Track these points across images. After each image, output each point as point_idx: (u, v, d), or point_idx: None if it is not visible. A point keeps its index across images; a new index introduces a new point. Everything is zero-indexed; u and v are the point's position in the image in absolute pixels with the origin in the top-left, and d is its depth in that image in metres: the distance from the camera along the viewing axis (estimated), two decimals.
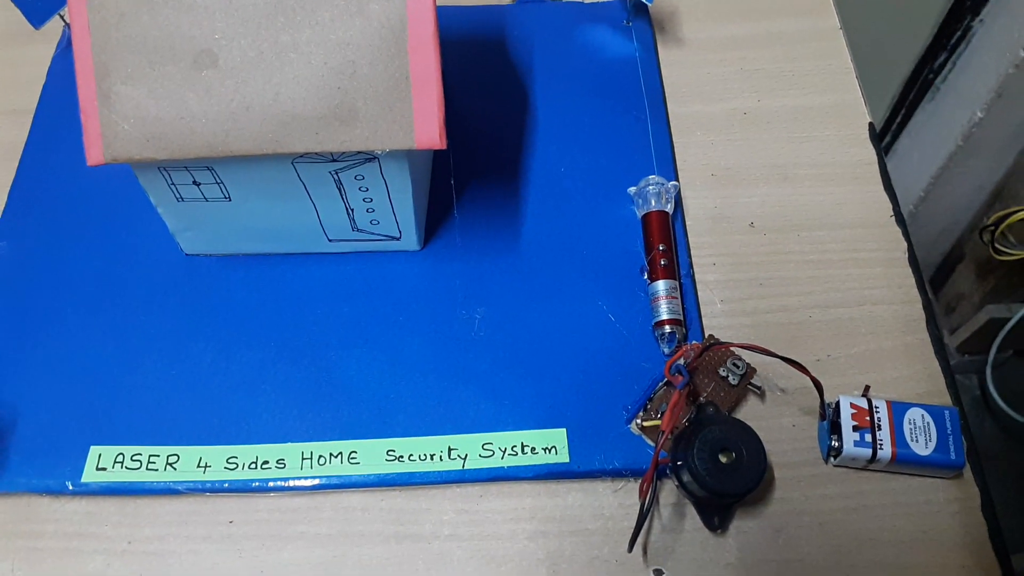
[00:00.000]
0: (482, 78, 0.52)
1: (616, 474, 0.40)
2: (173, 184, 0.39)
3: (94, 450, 0.40)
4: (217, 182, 0.38)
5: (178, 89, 0.35)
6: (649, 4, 0.50)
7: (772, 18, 0.56)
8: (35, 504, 0.40)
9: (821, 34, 0.55)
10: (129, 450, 0.40)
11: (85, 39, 0.35)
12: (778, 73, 0.53)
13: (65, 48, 0.54)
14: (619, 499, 0.40)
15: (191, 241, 0.44)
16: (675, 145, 0.50)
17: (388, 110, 0.35)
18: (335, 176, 0.38)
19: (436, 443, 0.40)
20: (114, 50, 0.35)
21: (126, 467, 0.40)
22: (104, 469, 0.40)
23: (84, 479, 0.40)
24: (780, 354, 0.39)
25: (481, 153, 0.49)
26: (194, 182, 0.39)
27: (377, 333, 0.43)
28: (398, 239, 0.44)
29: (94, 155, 0.36)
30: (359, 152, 0.36)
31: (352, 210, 0.41)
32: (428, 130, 0.35)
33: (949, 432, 0.40)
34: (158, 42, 0.35)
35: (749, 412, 0.42)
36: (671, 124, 0.51)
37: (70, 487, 0.40)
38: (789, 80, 0.53)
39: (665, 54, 0.53)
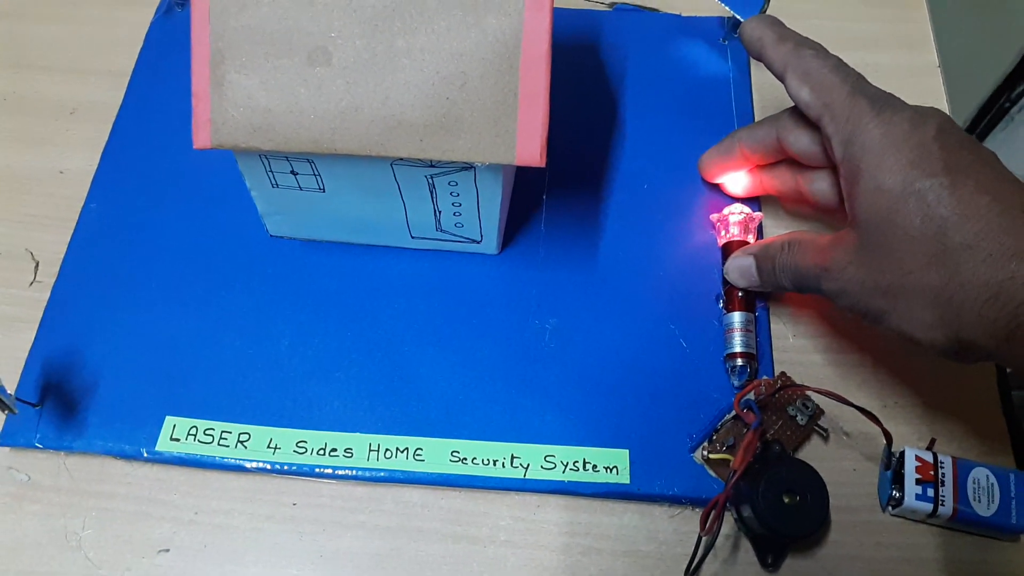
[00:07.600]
0: (571, 82, 0.52)
1: (675, 500, 0.40)
2: (271, 171, 0.39)
3: (169, 420, 0.42)
4: (315, 174, 0.39)
5: (290, 83, 0.35)
6: None
7: (869, 49, 0.54)
8: (109, 466, 0.42)
9: (919, 70, 0.54)
10: (203, 424, 0.42)
11: (204, 24, 0.35)
12: None
13: (164, 13, 0.55)
14: (675, 525, 0.40)
15: (278, 224, 0.45)
16: None
17: (493, 124, 0.35)
18: (429, 180, 0.39)
19: (500, 449, 0.41)
20: (231, 38, 0.35)
21: (199, 440, 0.41)
22: (177, 440, 0.41)
23: (158, 448, 0.41)
24: (855, 403, 0.39)
25: (566, 160, 0.49)
26: (292, 172, 0.39)
27: (450, 333, 0.44)
28: (478, 243, 0.45)
29: (201, 139, 0.36)
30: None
31: (440, 212, 0.42)
32: (530, 148, 0.35)
33: (1013, 495, 0.39)
34: (275, 34, 0.35)
35: (812, 452, 0.42)
36: None
37: (144, 454, 0.41)
38: None
39: (758, 76, 0.53)
